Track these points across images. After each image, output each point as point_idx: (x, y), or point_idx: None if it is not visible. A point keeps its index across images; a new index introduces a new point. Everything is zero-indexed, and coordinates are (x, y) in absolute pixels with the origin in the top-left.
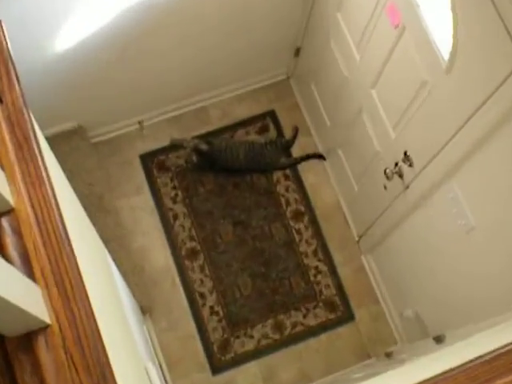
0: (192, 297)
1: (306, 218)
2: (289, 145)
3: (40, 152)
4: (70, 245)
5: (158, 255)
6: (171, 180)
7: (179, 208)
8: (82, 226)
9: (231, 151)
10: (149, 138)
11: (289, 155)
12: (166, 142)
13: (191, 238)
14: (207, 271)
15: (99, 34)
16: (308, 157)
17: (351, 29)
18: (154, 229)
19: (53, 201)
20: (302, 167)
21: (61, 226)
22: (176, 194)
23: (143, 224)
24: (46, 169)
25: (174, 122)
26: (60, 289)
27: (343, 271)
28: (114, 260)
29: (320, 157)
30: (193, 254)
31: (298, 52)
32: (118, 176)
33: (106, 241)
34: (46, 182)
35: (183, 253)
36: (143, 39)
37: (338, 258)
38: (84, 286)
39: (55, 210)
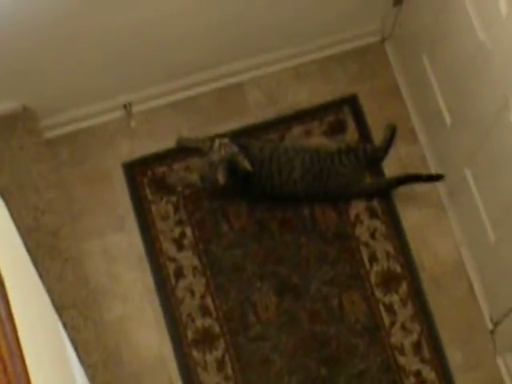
0: None
1: (403, 287)
2: (379, 155)
3: None
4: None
5: (148, 337)
6: (175, 209)
7: (187, 258)
8: (22, 283)
9: (280, 164)
10: (140, 133)
11: (379, 173)
12: (169, 143)
13: (205, 312)
14: (229, 370)
15: None
16: (413, 178)
17: None
18: (142, 291)
19: None
20: (401, 197)
21: None
22: (183, 234)
23: (125, 282)
24: None
25: (184, 108)
26: None
27: (464, 381)
28: (74, 343)
29: (435, 178)
30: (206, 338)
31: None
32: (85, 198)
33: (62, 308)
34: None
35: (190, 336)
36: None
37: (455, 357)
38: None
39: None
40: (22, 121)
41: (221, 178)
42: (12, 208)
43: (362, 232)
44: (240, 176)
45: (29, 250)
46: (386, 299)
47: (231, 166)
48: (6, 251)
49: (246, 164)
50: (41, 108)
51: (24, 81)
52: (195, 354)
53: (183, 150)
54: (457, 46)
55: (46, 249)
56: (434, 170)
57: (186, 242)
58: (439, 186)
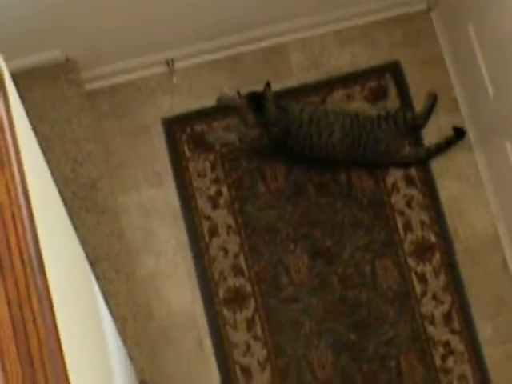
0: (229, 373)
1: (436, 257)
2: (418, 123)
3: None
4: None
5: (179, 293)
6: (213, 167)
7: (222, 217)
8: (57, 235)
9: (319, 127)
10: (181, 90)
11: (418, 142)
12: (210, 101)
13: (237, 271)
14: (259, 330)
15: None
16: (449, 143)
17: None
18: (175, 247)
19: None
20: (439, 167)
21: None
22: (219, 192)
23: (159, 237)
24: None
25: (227, 66)
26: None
27: (493, 355)
28: (106, 295)
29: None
30: (237, 298)
31: None
32: (123, 151)
33: (95, 260)
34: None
35: (221, 295)
36: None
37: (485, 330)
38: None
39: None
40: (63, 71)
41: (257, 134)
42: (51, 158)
43: (398, 200)
44: (278, 136)
45: (65, 201)
46: (419, 268)
47: (267, 122)
48: (42, 200)
49: (277, 115)
50: (83, 59)
51: (68, 31)
52: (225, 312)
53: (223, 109)
54: (503, 17)
55: (82, 200)
56: (474, 141)
57: (221, 200)
58: (478, 157)
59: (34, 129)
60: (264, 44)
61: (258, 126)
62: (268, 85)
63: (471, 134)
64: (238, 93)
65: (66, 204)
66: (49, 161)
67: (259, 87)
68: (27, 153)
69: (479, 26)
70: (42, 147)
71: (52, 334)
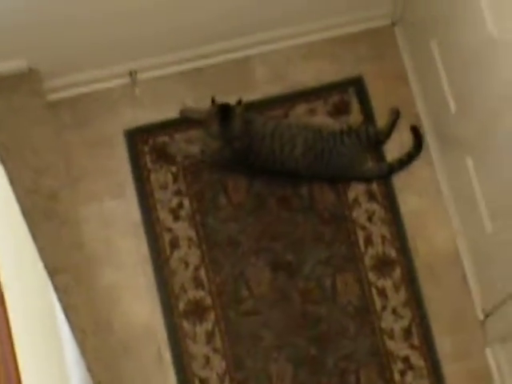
0: None
1: (397, 272)
2: (381, 138)
3: None
4: None
5: (139, 306)
6: (174, 179)
7: (183, 229)
8: (14, 246)
9: (282, 141)
10: (143, 101)
11: (380, 157)
12: (172, 112)
13: (197, 284)
14: (218, 343)
15: None
16: (411, 156)
17: None
18: (136, 259)
19: None
20: (401, 182)
21: None
22: (180, 204)
23: (119, 249)
24: None
25: (190, 79)
26: None
27: (451, 370)
28: (65, 307)
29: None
30: (197, 310)
31: None
32: (85, 162)
33: (55, 271)
34: None
35: (181, 307)
36: None
37: (444, 346)
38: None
39: None
40: (26, 81)
41: (218, 147)
42: (10, 169)
43: (359, 214)
44: (240, 150)
45: (24, 212)
46: (379, 283)
47: (230, 136)
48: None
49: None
50: (45, 69)
51: (31, 41)
52: (185, 325)
53: (186, 121)
54: (465, 34)
55: (42, 211)
56: (435, 156)
57: (183, 212)
58: (439, 173)
59: None
60: (228, 57)
61: (221, 138)
62: (240, 102)
63: (433, 149)
64: (213, 100)
65: (25, 214)
66: (9, 171)
67: (222, 100)
68: None
69: (442, 41)
70: (1, 157)
71: (6, 346)
